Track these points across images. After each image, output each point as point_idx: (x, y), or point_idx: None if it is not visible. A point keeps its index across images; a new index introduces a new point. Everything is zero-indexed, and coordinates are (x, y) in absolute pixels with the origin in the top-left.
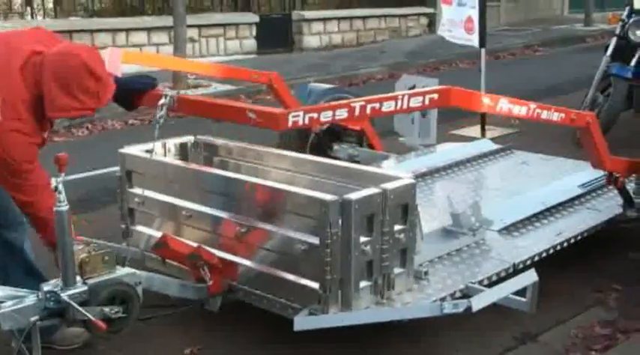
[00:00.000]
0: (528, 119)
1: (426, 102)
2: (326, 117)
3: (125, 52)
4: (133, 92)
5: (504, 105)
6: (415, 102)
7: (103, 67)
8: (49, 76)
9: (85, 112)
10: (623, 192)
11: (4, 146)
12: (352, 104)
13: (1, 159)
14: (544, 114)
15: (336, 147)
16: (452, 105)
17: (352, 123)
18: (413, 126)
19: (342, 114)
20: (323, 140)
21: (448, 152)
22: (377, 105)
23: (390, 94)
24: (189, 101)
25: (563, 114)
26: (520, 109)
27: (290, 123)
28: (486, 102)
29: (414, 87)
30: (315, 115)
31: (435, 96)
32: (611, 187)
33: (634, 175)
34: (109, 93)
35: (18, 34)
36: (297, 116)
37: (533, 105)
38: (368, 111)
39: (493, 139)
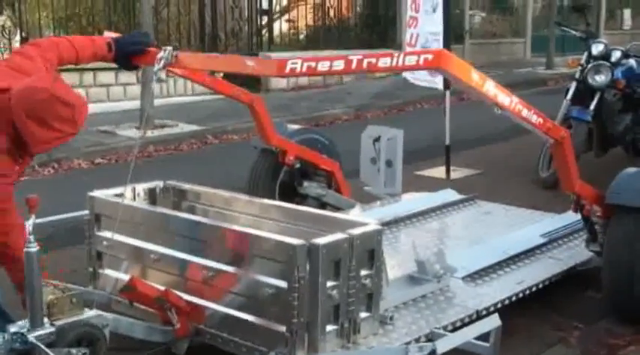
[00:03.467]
0: (509, 111)
1: (420, 62)
2: (324, 66)
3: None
4: (131, 53)
5: (491, 87)
6: (410, 60)
7: (71, 91)
8: (22, 114)
9: (67, 138)
10: (588, 222)
11: None
12: (350, 57)
13: None
14: (524, 112)
15: (306, 184)
16: (442, 67)
17: (323, 163)
18: (379, 176)
19: (339, 65)
20: (294, 176)
21: (413, 201)
22: (373, 60)
23: (386, 52)
24: (187, 55)
25: (541, 120)
26: (504, 98)
27: (288, 70)
28: (475, 77)
29: (379, 138)
30: (312, 64)
31: (430, 56)
32: (577, 215)
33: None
34: (84, 114)
35: None
36: (296, 64)
37: (515, 99)
38: (364, 65)
39: (457, 180)
